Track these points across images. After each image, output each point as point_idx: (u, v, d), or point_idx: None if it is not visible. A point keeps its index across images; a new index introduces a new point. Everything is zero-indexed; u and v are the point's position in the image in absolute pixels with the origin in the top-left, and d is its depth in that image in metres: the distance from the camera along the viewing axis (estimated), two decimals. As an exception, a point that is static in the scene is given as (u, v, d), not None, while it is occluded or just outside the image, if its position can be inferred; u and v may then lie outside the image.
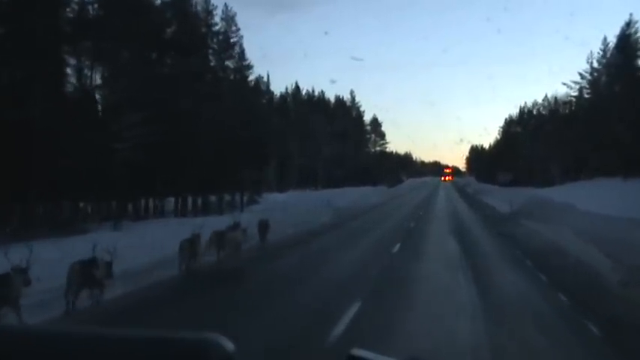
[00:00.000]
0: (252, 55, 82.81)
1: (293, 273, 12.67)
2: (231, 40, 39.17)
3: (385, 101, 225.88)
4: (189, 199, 39.64)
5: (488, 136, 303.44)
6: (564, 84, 66.08)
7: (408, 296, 9.83)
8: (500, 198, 46.35)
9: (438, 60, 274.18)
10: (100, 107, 31.19)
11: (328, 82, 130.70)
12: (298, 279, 11.72)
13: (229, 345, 0.86)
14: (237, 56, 40.49)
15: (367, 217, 29.35)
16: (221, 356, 0.85)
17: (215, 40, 38.92)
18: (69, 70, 30.76)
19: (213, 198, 44.25)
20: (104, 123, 28.96)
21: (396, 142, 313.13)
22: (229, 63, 40.53)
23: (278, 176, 73.10)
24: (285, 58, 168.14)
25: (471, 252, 15.99)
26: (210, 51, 40.10)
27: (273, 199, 51.71)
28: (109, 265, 10.00)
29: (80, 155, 26.58)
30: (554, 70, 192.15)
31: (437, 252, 16.05)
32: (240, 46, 40.43)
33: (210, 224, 23.91)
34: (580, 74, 64.43)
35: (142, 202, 37.27)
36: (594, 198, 34.33)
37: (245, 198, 48.76)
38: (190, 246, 13.25)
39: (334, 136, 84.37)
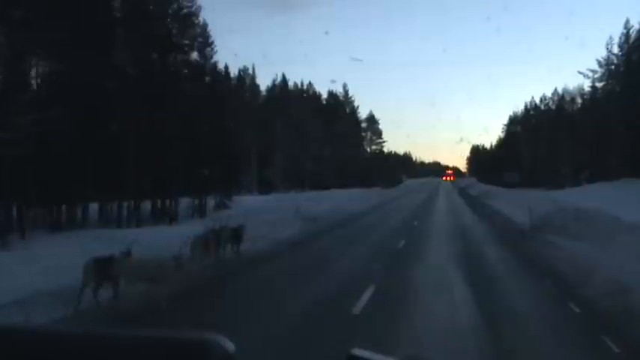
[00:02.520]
0: (252, 56, 76.16)
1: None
2: (188, 11, 32.14)
3: (385, 102, 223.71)
4: (136, 205, 32.66)
5: (488, 135, 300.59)
6: (580, 73, 58.95)
7: None
8: (511, 202, 39.56)
9: (437, 60, 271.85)
10: None
11: (328, 82, 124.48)
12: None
13: (230, 345, 0.85)
14: (194, 29, 33.49)
15: (343, 231, 22.47)
16: (222, 356, 0.84)
17: (169, 10, 31.91)
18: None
19: (171, 203, 37.42)
20: None
21: (396, 143, 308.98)
22: (185, 41, 33.55)
23: (263, 177, 66.20)
24: (285, 59, 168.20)
25: (494, 311, 9.15)
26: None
27: (247, 202, 44.81)
28: None
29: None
30: (554, 70, 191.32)
31: (434, 313, 9.15)
32: (199, 17, 33.35)
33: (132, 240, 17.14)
34: (598, 62, 57.42)
35: (71, 209, 30.36)
36: (631, 204, 27.52)
37: (213, 202, 41.95)
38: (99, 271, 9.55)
39: (326, 134, 77.57)
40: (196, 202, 38.64)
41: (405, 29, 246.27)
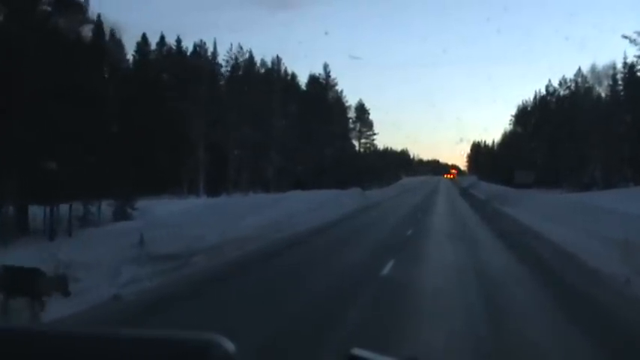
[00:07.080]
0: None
1: None
2: None
3: (385, 101, 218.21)
4: None
5: (487, 135, 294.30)
6: (625, 37, 45.76)
7: None
8: (543, 213, 26.66)
9: (437, 60, 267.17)
10: None
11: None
12: None
13: (230, 345, 0.84)
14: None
15: (201, 309, 9.23)
16: (222, 356, 0.83)
17: None
18: None
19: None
20: None
21: (394, 141, 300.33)
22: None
23: (214, 175, 53.21)
24: (285, 57, 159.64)
25: None
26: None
27: (167, 209, 31.67)
28: None
29: None
30: (554, 70, 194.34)
31: None
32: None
33: None
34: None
35: None
36: None
37: (111, 209, 29.12)
38: None
39: (302, 123, 64.61)
40: (75, 211, 25.68)
41: (405, 29, 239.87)
